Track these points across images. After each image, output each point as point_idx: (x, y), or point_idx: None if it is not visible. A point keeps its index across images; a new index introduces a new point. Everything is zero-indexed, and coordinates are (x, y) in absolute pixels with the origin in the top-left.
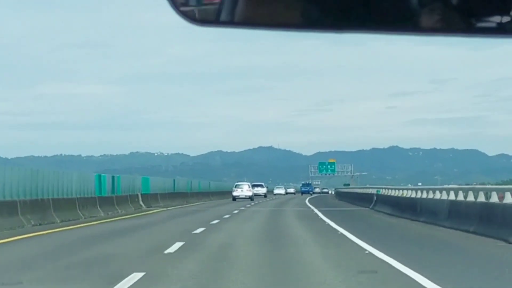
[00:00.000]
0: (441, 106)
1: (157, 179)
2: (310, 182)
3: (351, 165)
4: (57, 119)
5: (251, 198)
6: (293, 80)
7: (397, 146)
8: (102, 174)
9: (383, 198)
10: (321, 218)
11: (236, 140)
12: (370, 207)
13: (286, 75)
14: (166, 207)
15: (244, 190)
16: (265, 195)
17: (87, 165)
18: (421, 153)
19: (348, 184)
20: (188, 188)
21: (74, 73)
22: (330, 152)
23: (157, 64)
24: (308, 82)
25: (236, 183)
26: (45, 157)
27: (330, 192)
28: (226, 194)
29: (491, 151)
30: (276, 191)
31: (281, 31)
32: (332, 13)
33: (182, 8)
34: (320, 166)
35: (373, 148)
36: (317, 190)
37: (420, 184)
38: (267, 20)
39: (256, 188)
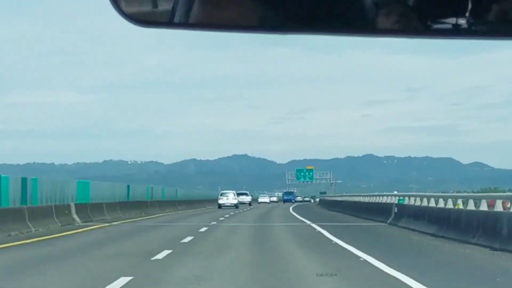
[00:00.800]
0: (416, 115)
1: (103, 184)
2: (292, 191)
3: (330, 173)
4: (31, 127)
5: (236, 206)
6: (267, 88)
7: (371, 154)
8: (3, 175)
9: (412, 211)
10: (335, 243)
11: (210, 148)
12: (389, 222)
13: (260, 83)
14: (114, 221)
15: (229, 198)
16: (249, 203)
17: (60, 173)
18: (395, 161)
19: (325, 192)
20: (148, 196)
21: (47, 81)
22: (304, 160)
23: (131, 73)
24: (282, 90)
25: (222, 192)
26: (18, 165)
27: (311, 200)
28: (196, 203)
29: (465, 160)
30: (260, 200)
31: (232, 32)
32: (289, 14)
33: (127, 9)
34: (297, 173)
35: (347, 156)
36: (298, 198)
37: (395, 192)
38: (217, 21)
39: (241, 197)
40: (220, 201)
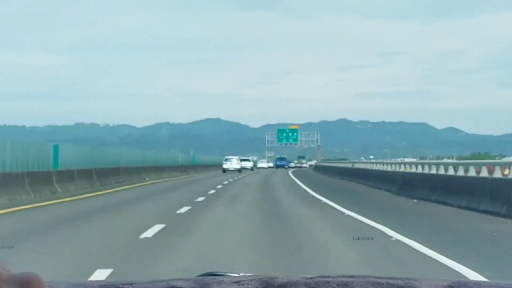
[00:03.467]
0: (389, 80)
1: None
2: (285, 157)
3: (317, 133)
4: (1, 89)
5: (239, 170)
6: (241, 52)
7: (345, 119)
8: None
9: (426, 180)
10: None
11: (183, 111)
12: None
13: (234, 47)
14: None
15: (233, 163)
16: (251, 169)
17: (31, 136)
18: (369, 126)
19: (303, 157)
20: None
21: (18, 43)
22: (278, 124)
23: (104, 34)
24: (256, 54)
25: (226, 157)
26: None
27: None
28: (167, 169)
29: (439, 125)
30: (259, 165)
31: None
32: None
33: None
34: (279, 134)
35: (321, 121)
36: (292, 164)
37: (371, 157)
38: None
39: (243, 162)
40: (225, 166)
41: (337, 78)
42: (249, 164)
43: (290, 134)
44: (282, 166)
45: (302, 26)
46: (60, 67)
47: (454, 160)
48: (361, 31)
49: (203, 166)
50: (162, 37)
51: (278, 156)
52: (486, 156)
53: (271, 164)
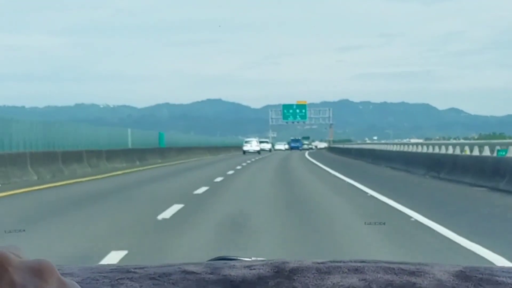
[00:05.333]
0: (391, 60)
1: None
2: (299, 138)
3: (329, 110)
4: (1, 70)
5: (258, 152)
6: (241, 33)
7: (347, 99)
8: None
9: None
10: None
11: (183, 92)
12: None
13: (235, 28)
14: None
15: (253, 145)
16: (270, 150)
17: (31, 116)
18: (371, 106)
19: (308, 138)
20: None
21: (19, 24)
22: (279, 105)
23: (104, 16)
24: (257, 35)
25: (246, 139)
26: None
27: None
28: (154, 153)
29: (442, 105)
30: (277, 147)
31: None
32: None
33: None
34: (284, 111)
35: (323, 102)
36: (304, 146)
37: (375, 138)
38: None
39: (262, 144)
40: (245, 148)
41: (338, 59)
42: (267, 146)
43: (297, 111)
44: (297, 148)
45: (303, 7)
46: (61, 48)
47: (478, 141)
48: (362, 12)
49: (220, 147)
50: (163, 19)
51: (292, 138)
52: (502, 136)
53: (287, 146)
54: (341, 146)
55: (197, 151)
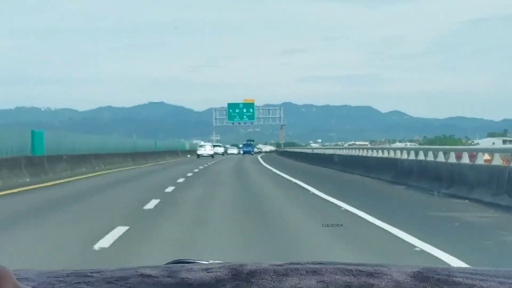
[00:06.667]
0: (334, 63)
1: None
2: (251, 142)
3: (280, 109)
4: None
5: (212, 156)
6: (185, 36)
7: (290, 102)
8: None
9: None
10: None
11: (126, 95)
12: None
13: (178, 31)
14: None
15: (207, 149)
16: (223, 154)
17: None
18: (314, 109)
19: (252, 141)
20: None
21: None
22: (223, 108)
23: (46, 19)
24: (200, 38)
25: (200, 144)
26: None
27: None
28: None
29: (384, 108)
30: (229, 151)
31: None
32: None
33: None
34: (230, 111)
35: (266, 104)
36: (256, 150)
37: (319, 141)
38: None
39: (216, 148)
40: (199, 152)
41: (282, 62)
42: (220, 150)
43: (244, 110)
44: (249, 152)
45: (246, 10)
46: (1, 51)
47: (423, 146)
48: (306, 15)
49: (167, 152)
50: (106, 22)
51: (244, 142)
52: (451, 139)
53: (241, 151)
54: (297, 150)
55: (116, 158)
